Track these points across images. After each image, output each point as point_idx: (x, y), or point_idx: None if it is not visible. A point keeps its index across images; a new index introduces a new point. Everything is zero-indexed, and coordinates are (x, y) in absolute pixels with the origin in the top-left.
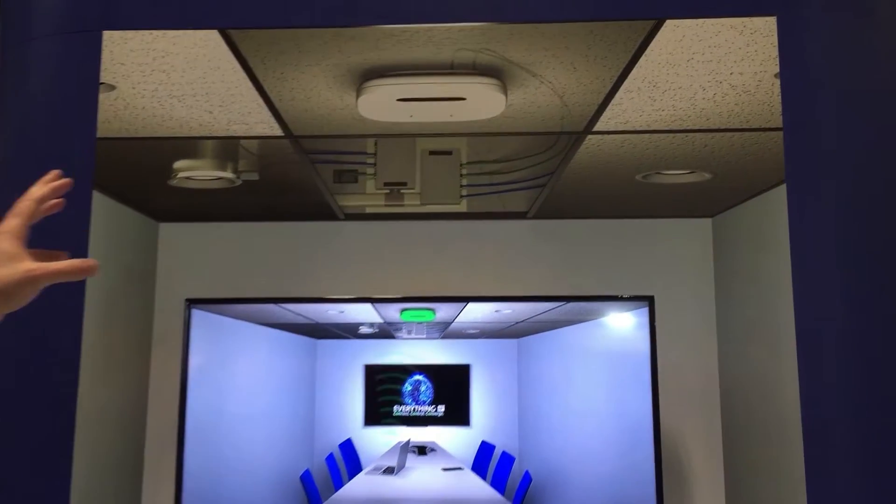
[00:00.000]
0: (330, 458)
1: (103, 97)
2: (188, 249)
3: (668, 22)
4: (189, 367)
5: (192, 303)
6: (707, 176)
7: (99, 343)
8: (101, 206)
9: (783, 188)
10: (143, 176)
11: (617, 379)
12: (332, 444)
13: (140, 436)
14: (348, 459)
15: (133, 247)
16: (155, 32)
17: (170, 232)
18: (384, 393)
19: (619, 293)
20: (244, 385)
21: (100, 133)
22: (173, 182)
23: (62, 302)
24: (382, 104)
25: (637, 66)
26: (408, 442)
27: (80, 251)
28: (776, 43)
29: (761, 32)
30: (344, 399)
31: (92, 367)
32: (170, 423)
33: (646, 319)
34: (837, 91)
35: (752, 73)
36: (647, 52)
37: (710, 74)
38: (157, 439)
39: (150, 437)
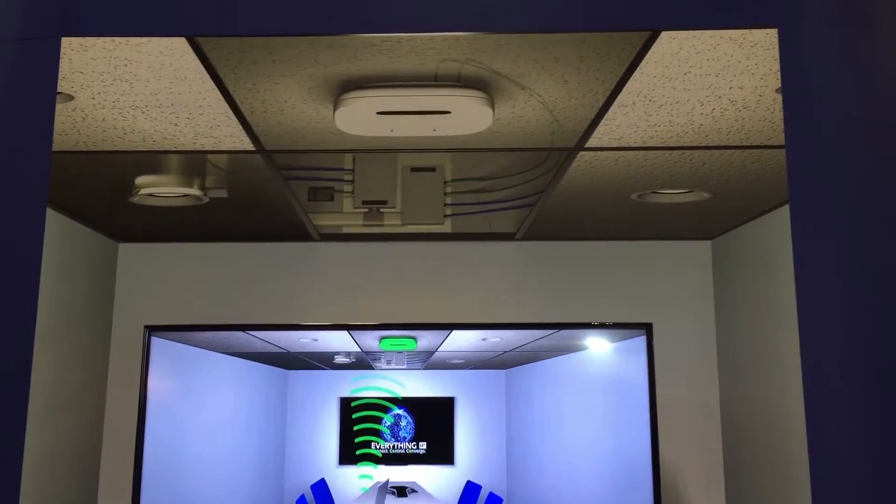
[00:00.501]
0: (301, 501)
1: (60, 108)
2: (149, 272)
3: (664, 33)
4: (147, 400)
5: (153, 330)
6: (706, 196)
7: (50, 374)
8: (56, 225)
9: (786, 209)
10: (101, 192)
11: (613, 412)
12: (303, 484)
13: (93, 477)
14: (321, 502)
15: (89, 269)
16: (117, 39)
17: (130, 253)
18: (361, 429)
19: (614, 320)
20: (208, 421)
21: (56, 146)
22: (135, 199)
23: (8, 328)
24: (361, 117)
25: (631, 79)
26: (386, 482)
27: (32, 273)
28: (777, 56)
29: (762, 45)
30: (317, 435)
31: (41, 401)
32: (125, 462)
33: (642, 348)
34: (841, 107)
35: (753, 88)
36: (642, 64)
37: (709, 89)
38: (111, 481)
39: (104, 478)
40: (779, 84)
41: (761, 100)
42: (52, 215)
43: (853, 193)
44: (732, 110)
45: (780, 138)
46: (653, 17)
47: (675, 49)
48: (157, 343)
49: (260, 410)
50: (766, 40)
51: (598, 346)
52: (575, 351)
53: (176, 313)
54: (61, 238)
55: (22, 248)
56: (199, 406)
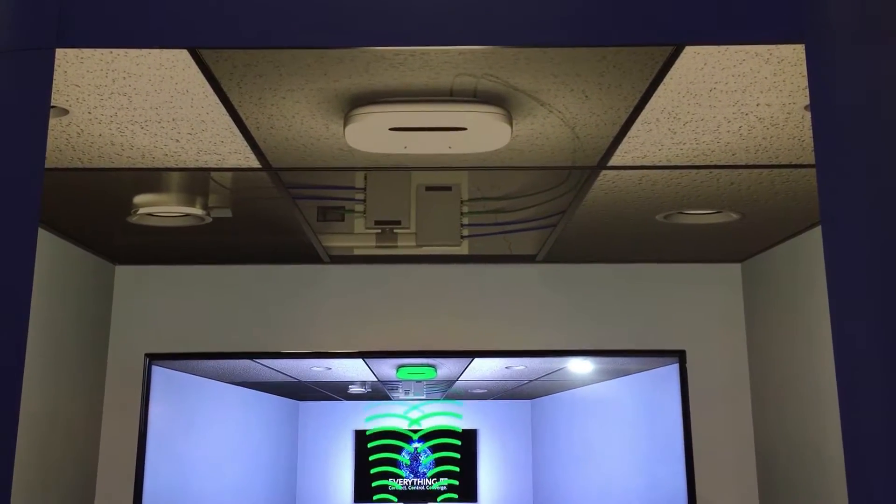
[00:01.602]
0: None
1: (54, 122)
2: (148, 296)
3: (688, 48)
4: (148, 435)
5: (153, 358)
6: (734, 216)
7: (42, 406)
8: (49, 246)
9: (818, 230)
10: (98, 212)
11: (644, 445)
12: None
13: None
14: None
15: (84, 293)
16: (115, 51)
17: (128, 276)
18: (378, 463)
19: (643, 347)
20: (213, 456)
21: (49, 163)
22: (133, 219)
23: None
24: (373, 134)
25: (655, 95)
26: None
27: (22, 297)
28: (805, 72)
29: (789, 61)
30: (331, 471)
31: (30, 436)
32: (123, 502)
33: (672, 376)
34: (873, 124)
35: (781, 105)
36: (666, 80)
37: (735, 105)
38: None
39: None
40: (807, 101)
41: (790, 117)
42: (44, 235)
43: (888, 213)
44: (760, 128)
45: (809, 157)
46: (676, 31)
47: (699, 64)
48: (158, 372)
49: (269, 444)
50: (793, 56)
51: (627, 375)
52: (604, 380)
53: (176, 340)
54: (54, 260)
55: (12, 271)
56: (204, 440)
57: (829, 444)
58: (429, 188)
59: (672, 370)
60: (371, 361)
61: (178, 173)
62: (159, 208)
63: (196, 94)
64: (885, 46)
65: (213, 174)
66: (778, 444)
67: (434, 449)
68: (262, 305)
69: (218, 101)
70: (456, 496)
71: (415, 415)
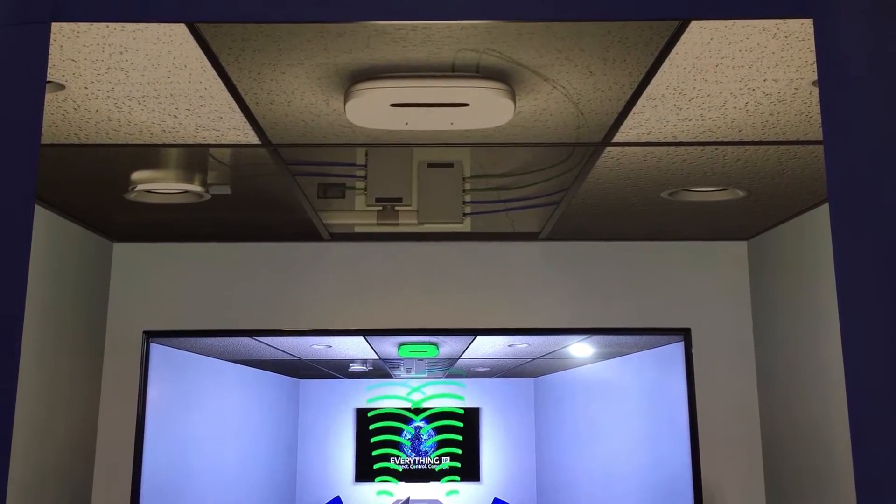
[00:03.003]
0: None
1: (50, 97)
2: (147, 274)
3: (694, 23)
4: (146, 413)
5: (151, 336)
6: (740, 194)
7: (38, 386)
8: (45, 223)
9: (825, 207)
10: (95, 188)
11: (649, 425)
12: (317, 503)
13: (85, 499)
14: None
15: (82, 270)
16: (112, 25)
17: (126, 253)
18: (379, 442)
19: (648, 325)
20: (212, 435)
21: (45, 139)
22: (131, 196)
23: None
24: (374, 110)
25: (660, 70)
26: (407, 500)
27: (18, 275)
28: (813, 47)
29: (797, 36)
30: (331, 450)
31: (28, 415)
32: (121, 482)
33: (678, 355)
34: (881, 100)
35: (788, 81)
36: (672, 55)
37: (742, 81)
38: (106, 503)
39: (98, 499)
40: (815, 76)
41: (797, 93)
42: (40, 213)
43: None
44: (767, 104)
45: (817, 133)
46: (682, 5)
47: (705, 39)
48: (157, 350)
49: (269, 423)
50: (801, 31)
51: (632, 353)
52: (609, 358)
53: (175, 318)
54: (51, 237)
55: (8, 248)
56: (203, 418)
57: (834, 422)
58: (430, 165)
59: (677, 348)
60: (372, 339)
61: (177, 150)
62: (157, 185)
63: (194, 69)
64: (893, 20)
65: (211, 151)
66: (783, 422)
67: (437, 428)
68: (261, 283)
69: (216, 76)
70: (458, 476)
71: (417, 397)
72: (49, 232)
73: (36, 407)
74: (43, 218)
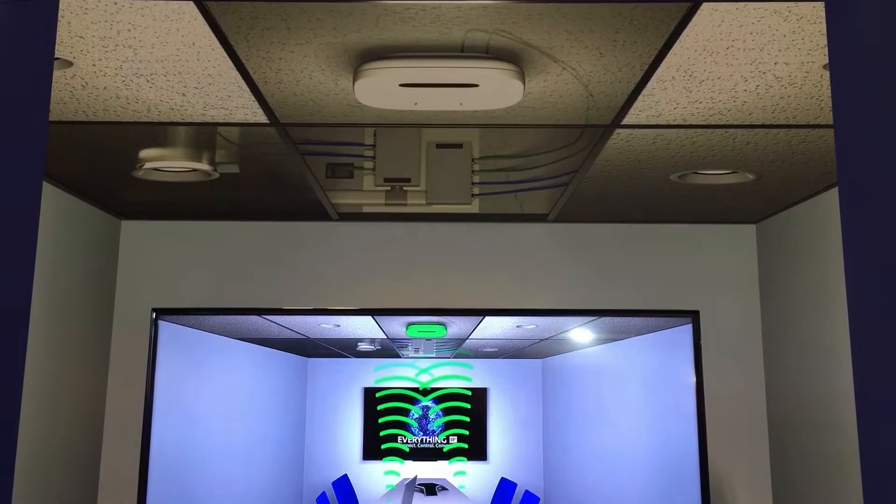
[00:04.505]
0: (322, 499)
1: (58, 74)
2: (155, 251)
3: (705, 5)
4: (155, 390)
5: (160, 313)
6: (750, 177)
7: (46, 362)
8: (54, 201)
9: (835, 191)
10: (103, 166)
11: (656, 407)
12: (324, 481)
13: (93, 474)
14: (343, 500)
15: (90, 248)
16: (120, 2)
17: (134, 231)
18: (387, 423)
19: (655, 307)
20: (221, 412)
21: (53, 116)
22: (139, 174)
23: (1, 312)
24: (383, 89)
25: (671, 53)
26: (414, 479)
27: (27, 252)
28: (825, 31)
29: (808, 19)
30: (339, 428)
31: (36, 391)
32: (130, 458)
33: (685, 338)
34: (892, 84)
35: (799, 64)
36: (682, 37)
37: (752, 64)
38: (114, 478)
39: (106, 475)
40: (826, 60)
41: (808, 76)
42: (49, 189)
43: None
44: (777, 87)
45: (827, 117)
46: None
47: (716, 21)
48: (165, 327)
49: (278, 401)
50: (812, 14)
51: (640, 335)
52: (616, 340)
53: (185, 295)
54: (59, 214)
55: (16, 226)
56: (212, 396)
57: (842, 407)
58: (439, 145)
59: (684, 331)
60: (380, 319)
61: (185, 128)
62: (166, 163)
63: (203, 47)
64: None
65: (220, 129)
66: (790, 404)
67: (445, 409)
68: (270, 262)
69: (225, 54)
70: (465, 457)
71: (424, 378)
72: (57, 209)
73: (45, 383)
74: (51, 195)
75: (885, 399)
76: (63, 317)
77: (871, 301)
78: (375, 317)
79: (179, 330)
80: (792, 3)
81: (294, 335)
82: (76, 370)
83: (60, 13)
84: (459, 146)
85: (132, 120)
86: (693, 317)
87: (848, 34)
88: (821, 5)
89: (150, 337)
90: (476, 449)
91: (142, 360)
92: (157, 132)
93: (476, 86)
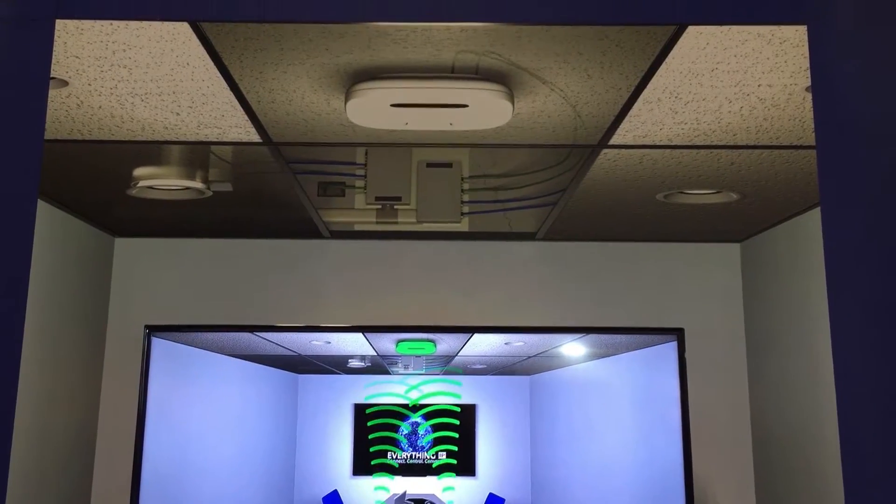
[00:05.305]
0: None
1: (53, 94)
2: (148, 268)
3: (691, 28)
4: (147, 406)
5: (153, 330)
6: (734, 196)
7: (39, 379)
8: (48, 218)
9: (817, 211)
10: (97, 184)
11: (642, 422)
12: (315, 497)
13: (86, 489)
14: None
15: (83, 264)
16: (115, 23)
17: (127, 248)
18: (377, 438)
19: (641, 324)
20: (212, 429)
21: (48, 134)
22: (133, 192)
23: None
24: (374, 109)
25: (657, 74)
26: (403, 495)
27: (21, 269)
28: (807, 54)
29: (791, 42)
30: (329, 444)
31: (28, 409)
32: (122, 475)
33: (671, 354)
34: (873, 106)
35: (782, 86)
36: (668, 59)
37: (737, 86)
38: (106, 493)
39: (98, 490)
40: (809, 82)
41: (791, 98)
42: (43, 207)
43: (887, 195)
44: (761, 108)
45: (810, 138)
46: (679, 10)
47: (701, 44)
48: (158, 344)
49: (269, 417)
50: (795, 37)
51: (626, 352)
52: (603, 357)
53: (177, 312)
54: (53, 231)
55: (11, 242)
56: (203, 413)
57: (824, 422)
58: (430, 164)
59: (670, 348)
60: (371, 336)
61: (179, 147)
62: (159, 181)
63: (197, 67)
64: (887, 28)
65: (213, 148)
66: (774, 422)
67: (434, 424)
68: (262, 279)
69: (219, 74)
70: (454, 472)
71: (414, 395)
72: (51, 226)
73: (37, 400)
74: (46, 212)
75: (867, 414)
76: (56, 333)
77: (851, 317)
78: (366, 334)
79: (172, 346)
80: (775, 27)
81: (285, 352)
82: (69, 386)
83: (57, 34)
84: (449, 165)
85: (126, 139)
86: (678, 334)
87: (829, 57)
88: (803, 29)
89: (143, 353)
90: (465, 464)
91: (134, 376)
92: (151, 151)
93: (466, 106)
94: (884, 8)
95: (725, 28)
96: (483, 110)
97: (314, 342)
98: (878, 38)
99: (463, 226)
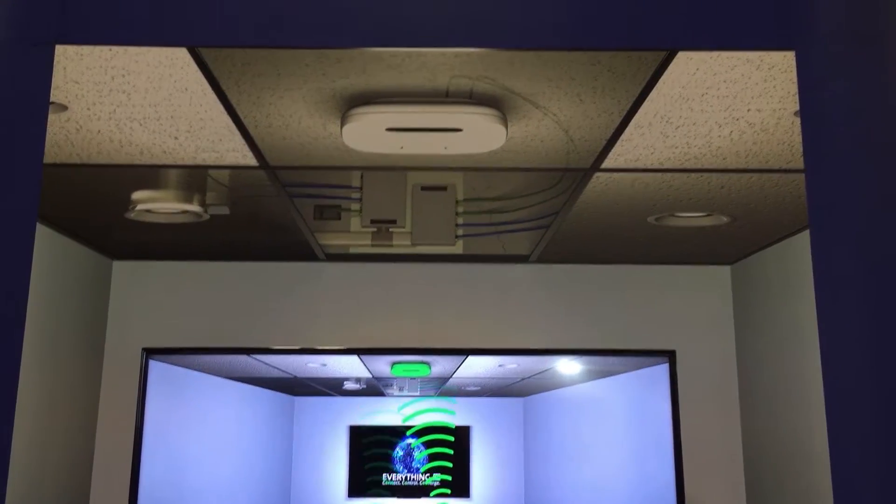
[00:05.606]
0: None
1: (53, 118)
2: (146, 291)
3: (681, 54)
4: (144, 428)
5: (150, 353)
6: (724, 219)
7: (36, 402)
8: (47, 241)
9: (807, 234)
10: (96, 208)
11: (635, 443)
12: None
13: None
14: None
15: (82, 288)
16: (115, 48)
17: (125, 271)
18: (372, 459)
19: (633, 346)
20: (209, 450)
21: (48, 158)
22: (131, 215)
23: None
24: (370, 134)
25: (648, 99)
26: None
27: (19, 292)
28: (795, 79)
29: (779, 68)
30: (325, 465)
31: (27, 430)
32: (119, 497)
33: (663, 375)
34: (862, 130)
35: (771, 111)
36: (659, 84)
37: (726, 111)
38: None
39: None
40: (797, 107)
41: (780, 122)
42: (42, 231)
43: (875, 217)
44: (751, 133)
45: (799, 162)
46: (669, 36)
47: (691, 70)
48: (155, 366)
49: (265, 439)
50: (783, 63)
51: (619, 374)
52: (596, 379)
53: (174, 335)
54: (52, 255)
55: (9, 265)
56: (200, 435)
57: (815, 444)
58: (424, 188)
59: (662, 370)
60: (366, 358)
61: (177, 170)
62: (157, 205)
63: (195, 92)
64: (873, 53)
65: (210, 172)
66: (765, 443)
67: (427, 445)
68: (258, 302)
69: (216, 99)
70: (448, 491)
71: (408, 411)
72: (50, 250)
73: (34, 422)
74: (45, 236)
75: (857, 434)
76: (54, 356)
77: (841, 339)
78: (361, 356)
79: (169, 369)
80: (764, 53)
81: (281, 374)
82: (67, 410)
83: (56, 59)
84: (444, 189)
85: (125, 163)
86: (670, 356)
87: (817, 82)
88: (791, 54)
89: (140, 376)
90: (459, 485)
91: (131, 398)
92: (149, 175)
93: (460, 130)
94: (870, 32)
95: (715, 54)
96: (477, 134)
97: (310, 364)
98: (865, 62)
99: (457, 248)
